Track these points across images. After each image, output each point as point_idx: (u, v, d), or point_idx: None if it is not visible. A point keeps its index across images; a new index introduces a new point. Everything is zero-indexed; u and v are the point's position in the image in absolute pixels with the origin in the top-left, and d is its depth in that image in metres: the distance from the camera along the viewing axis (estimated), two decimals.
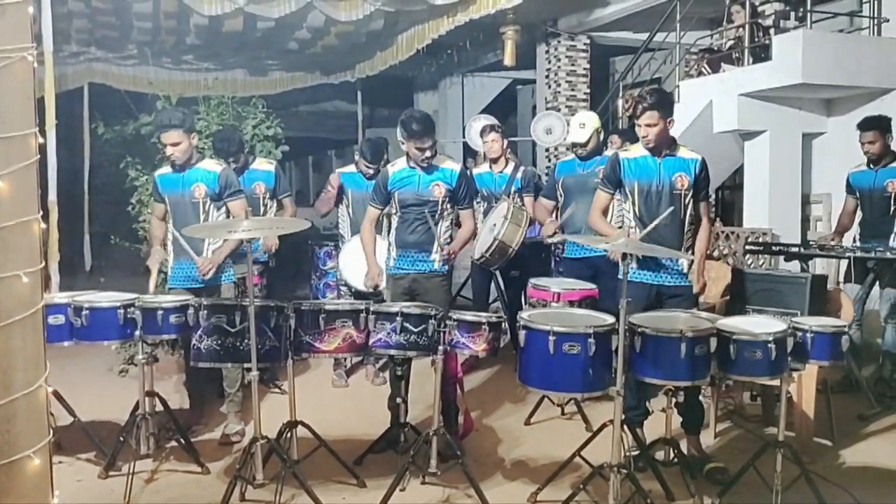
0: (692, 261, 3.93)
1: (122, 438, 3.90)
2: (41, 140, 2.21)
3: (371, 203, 4.41)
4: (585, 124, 5.05)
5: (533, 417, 4.79)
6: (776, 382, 3.44)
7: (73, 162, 8.46)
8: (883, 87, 6.75)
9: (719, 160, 7.17)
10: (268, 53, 8.98)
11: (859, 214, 5.43)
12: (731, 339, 3.18)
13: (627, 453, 3.58)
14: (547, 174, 10.19)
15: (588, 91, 10.38)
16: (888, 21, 6.89)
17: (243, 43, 8.18)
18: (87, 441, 4.16)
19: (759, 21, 7.38)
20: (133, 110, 7.19)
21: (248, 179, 5.42)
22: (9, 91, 2.12)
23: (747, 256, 6.64)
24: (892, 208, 5.16)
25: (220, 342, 3.57)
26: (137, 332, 3.88)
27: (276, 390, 5.39)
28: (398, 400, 4.21)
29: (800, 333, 3.30)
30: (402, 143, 4.26)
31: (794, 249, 5.42)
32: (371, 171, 5.35)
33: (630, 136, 5.59)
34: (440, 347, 3.60)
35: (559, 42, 10.22)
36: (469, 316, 3.64)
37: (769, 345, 3.16)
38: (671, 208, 3.80)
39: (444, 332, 3.59)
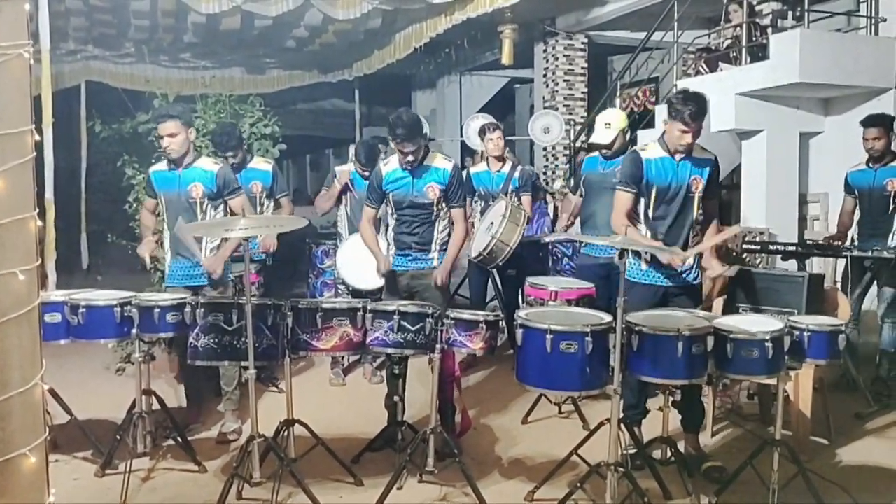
0: (697, 258, 3.93)
1: (118, 437, 3.90)
2: (37, 138, 2.21)
3: (367, 203, 4.37)
4: (611, 124, 4.92)
5: (530, 416, 4.79)
6: (773, 381, 3.44)
7: (70, 160, 8.45)
8: (880, 86, 6.76)
9: None
10: (265, 51, 8.97)
11: (857, 213, 5.44)
12: (729, 338, 3.19)
13: (625, 452, 3.59)
14: (545, 173, 10.23)
15: (586, 90, 10.38)
16: (885, 21, 6.90)
17: (241, 41, 8.17)
18: (84, 439, 4.15)
19: (757, 20, 7.39)
20: (130, 108, 7.18)
21: (246, 178, 5.42)
22: (5, 88, 2.12)
23: (745, 255, 6.64)
24: (892, 207, 5.17)
25: (217, 340, 3.57)
26: (134, 331, 3.87)
27: (274, 389, 5.39)
28: (395, 398, 4.21)
29: (797, 332, 3.30)
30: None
31: (792, 249, 5.42)
32: (366, 174, 5.35)
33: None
34: (437, 346, 3.60)
35: (557, 41, 10.22)
36: (466, 315, 3.63)
37: (766, 344, 3.16)
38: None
39: (442, 331, 3.59)
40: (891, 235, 5.13)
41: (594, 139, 5.04)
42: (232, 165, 5.38)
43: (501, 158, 5.90)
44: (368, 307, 3.67)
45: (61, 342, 3.89)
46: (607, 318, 3.28)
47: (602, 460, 3.28)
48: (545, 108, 10.25)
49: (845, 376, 5.16)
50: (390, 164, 4.25)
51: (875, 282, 5.12)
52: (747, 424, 4.65)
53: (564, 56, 10.26)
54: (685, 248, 3.88)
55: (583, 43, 10.27)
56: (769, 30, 7.21)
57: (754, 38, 7.26)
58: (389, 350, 3.70)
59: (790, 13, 7.32)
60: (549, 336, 3.12)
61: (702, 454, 4.03)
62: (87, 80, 8.97)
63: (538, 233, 6.31)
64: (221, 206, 4.41)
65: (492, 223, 5.28)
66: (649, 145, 4.02)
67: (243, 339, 3.48)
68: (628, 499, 3.29)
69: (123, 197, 6.19)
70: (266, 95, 7.66)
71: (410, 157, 4.09)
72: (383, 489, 3.52)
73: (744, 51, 7.26)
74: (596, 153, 5.16)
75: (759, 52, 7.15)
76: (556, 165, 10.29)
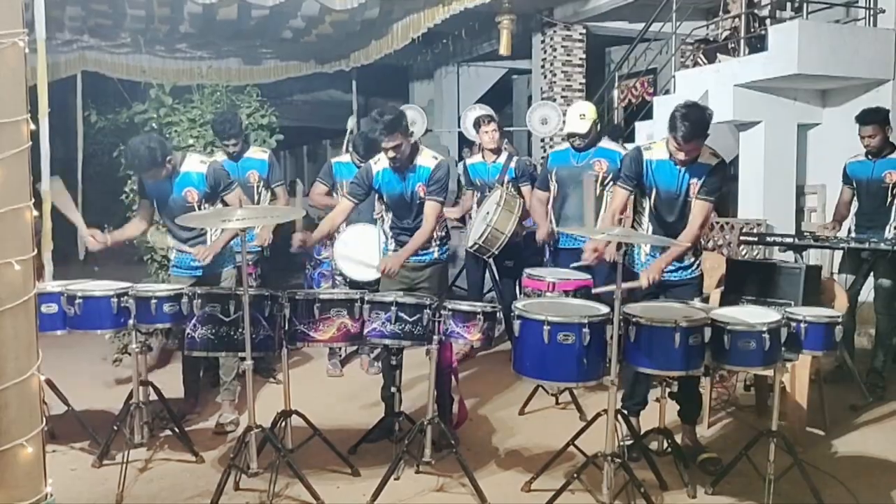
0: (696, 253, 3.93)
1: (115, 427, 3.90)
2: (33, 127, 2.20)
3: (348, 195, 4.26)
4: (585, 115, 4.96)
5: (527, 407, 4.80)
6: (770, 372, 3.45)
7: (66, 150, 8.40)
8: (878, 77, 6.75)
9: None
10: (262, 42, 8.92)
11: (855, 204, 5.44)
12: (726, 330, 3.19)
13: (621, 443, 3.60)
14: (543, 164, 10.21)
15: (584, 81, 10.35)
16: (884, 12, 6.88)
17: (237, 31, 8.12)
18: (81, 430, 4.16)
19: (755, 11, 7.37)
20: (126, 99, 7.15)
21: (243, 168, 5.42)
22: (0, 78, 2.11)
23: (742, 247, 6.65)
24: (889, 199, 5.17)
25: (214, 331, 3.56)
26: (131, 321, 3.87)
27: (271, 380, 5.39)
28: (392, 389, 4.21)
29: (794, 324, 3.31)
30: None
31: (789, 240, 5.42)
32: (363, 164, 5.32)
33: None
34: (435, 337, 3.60)
35: (555, 32, 10.19)
36: (464, 306, 3.64)
37: (763, 335, 3.16)
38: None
39: (439, 322, 3.59)
40: (888, 227, 5.13)
41: (570, 129, 5.01)
42: (232, 155, 5.38)
43: (497, 150, 5.88)
44: (366, 298, 3.67)
45: (58, 333, 3.88)
46: (605, 309, 3.28)
47: (599, 451, 3.29)
48: (543, 99, 10.23)
49: (841, 368, 5.18)
50: (381, 163, 4.18)
51: (872, 273, 5.13)
52: (743, 415, 4.67)
53: (562, 47, 10.23)
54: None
55: (581, 34, 10.23)
56: (767, 21, 7.19)
57: (752, 30, 7.24)
58: (387, 341, 3.70)
59: (788, 4, 7.31)
60: (546, 327, 3.13)
61: (698, 445, 4.04)
62: (83, 71, 8.91)
63: (535, 224, 6.30)
64: (219, 204, 4.39)
65: (487, 212, 5.28)
66: (655, 145, 3.97)
67: (240, 330, 3.47)
68: (624, 489, 3.31)
69: (120, 187, 6.17)
70: (263, 86, 7.64)
71: (392, 153, 4.01)
72: (380, 480, 3.53)
73: (742, 42, 7.24)
74: (566, 146, 5.17)
75: (757, 44, 7.13)
76: None
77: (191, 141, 6.06)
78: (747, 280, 4.38)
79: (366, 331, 3.67)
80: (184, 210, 4.26)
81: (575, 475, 3.40)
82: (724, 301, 4.34)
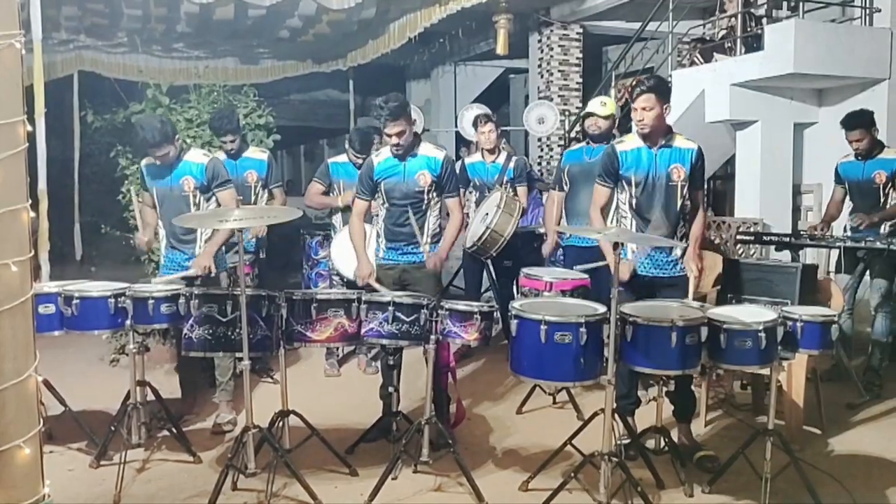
0: (685, 249, 3.94)
1: (113, 428, 3.90)
2: (29, 128, 2.20)
3: (358, 195, 4.31)
4: (606, 104, 5.12)
5: (524, 406, 4.80)
6: (766, 371, 3.46)
7: (63, 151, 8.40)
8: (874, 77, 6.77)
9: (711, 150, 7.10)
10: (259, 42, 8.92)
11: (849, 204, 5.45)
12: (722, 329, 3.19)
13: (618, 442, 3.60)
14: (540, 164, 10.22)
15: (581, 80, 10.37)
16: (880, 11, 6.90)
17: (234, 31, 8.12)
18: (79, 430, 4.15)
19: (752, 11, 7.39)
20: (123, 98, 7.14)
21: (241, 167, 5.42)
22: None
23: (738, 246, 6.67)
24: (882, 199, 5.18)
25: (211, 331, 3.56)
26: (128, 322, 3.87)
27: (268, 380, 5.39)
28: (390, 389, 4.21)
29: (790, 322, 3.31)
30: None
31: (785, 239, 5.44)
32: (360, 161, 5.32)
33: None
34: (432, 337, 3.60)
35: (552, 31, 10.19)
36: (461, 305, 3.63)
37: (759, 334, 3.17)
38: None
39: (436, 322, 3.59)
40: (881, 227, 5.14)
41: (591, 109, 5.14)
42: (229, 153, 5.38)
43: (495, 150, 5.89)
44: (363, 298, 3.67)
45: (55, 333, 3.87)
46: (601, 308, 3.29)
47: (596, 450, 3.29)
48: (540, 98, 10.24)
49: (838, 366, 5.19)
50: (382, 155, 4.24)
51: (868, 272, 5.14)
52: (740, 414, 4.67)
53: (559, 46, 10.24)
54: (674, 238, 3.89)
55: (578, 33, 10.24)
56: (764, 20, 7.21)
57: (749, 29, 7.26)
58: (384, 341, 3.70)
59: (785, 3, 7.32)
60: (543, 327, 3.12)
61: (695, 444, 4.05)
62: (79, 71, 8.91)
63: (533, 223, 6.32)
64: (214, 199, 4.40)
65: (486, 214, 5.28)
66: (627, 137, 4.06)
67: (238, 331, 3.47)
68: (621, 488, 3.31)
69: (117, 187, 6.16)
70: (260, 86, 7.64)
71: (396, 139, 4.07)
72: (378, 479, 3.52)
73: (738, 41, 7.26)
74: (580, 145, 5.22)
75: (753, 43, 7.15)
76: (551, 156, 10.28)
77: (188, 141, 6.05)
78: (744, 279, 4.39)
79: (363, 331, 3.67)
80: (180, 200, 4.30)
81: (572, 474, 3.40)
82: (721, 300, 4.35)
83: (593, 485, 3.42)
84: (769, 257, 6.04)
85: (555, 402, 4.89)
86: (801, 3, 6.92)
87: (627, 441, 3.82)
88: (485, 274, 6.12)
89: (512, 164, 5.83)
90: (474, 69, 12.68)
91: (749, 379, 4.84)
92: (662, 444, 3.80)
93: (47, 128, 4.84)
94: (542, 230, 6.08)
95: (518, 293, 4.78)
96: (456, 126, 10.48)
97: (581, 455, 3.50)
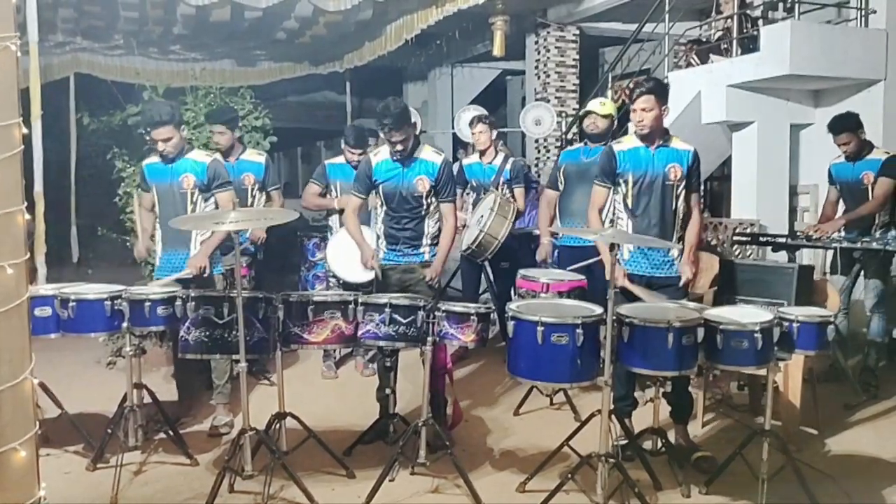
0: (681, 251, 3.94)
1: (109, 430, 3.89)
2: (25, 131, 2.19)
3: (353, 192, 4.32)
4: (605, 103, 5.18)
5: (522, 408, 4.80)
6: (763, 372, 3.46)
7: (59, 153, 8.39)
8: (870, 78, 6.78)
9: (707, 151, 7.18)
10: (256, 44, 8.92)
11: (842, 205, 5.47)
12: (719, 329, 3.20)
13: (615, 443, 3.60)
14: (537, 165, 10.22)
15: (577, 82, 10.38)
16: (875, 12, 6.91)
17: (231, 33, 8.12)
18: (75, 433, 4.14)
19: (748, 12, 7.40)
20: (120, 101, 7.15)
21: (238, 170, 5.42)
22: None
23: (735, 247, 6.67)
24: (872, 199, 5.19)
25: (208, 334, 3.56)
26: (125, 324, 3.86)
27: (265, 382, 5.39)
28: (387, 391, 4.21)
29: (786, 323, 3.32)
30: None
31: (782, 240, 5.44)
32: (356, 157, 5.30)
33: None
34: (429, 338, 3.60)
35: (548, 33, 10.20)
36: (458, 307, 3.64)
37: (756, 335, 3.18)
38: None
39: (433, 324, 3.59)
40: (873, 228, 5.15)
41: (590, 108, 5.19)
42: (220, 150, 5.37)
43: (487, 151, 5.88)
44: (360, 300, 3.67)
45: (51, 336, 3.87)
46: (598, 310, 3.29)
47: (593, 451, 3.29)
48: (537, 99, 10.24)
49: (834, 367, 5.19)
50: (380, 155, 4.23)
51: (863, 273, 5.15)
52: (737, 415, 4.68)
53: (556, 48, 10.25)
54: (671, 239, 3.90)
55: (574, 34, 10.25)
56: (760, 21, 7.22)
57: (745, 30, 7.27)
58: (381, 343, 3.71)
59: (780, 5, 7.33)
60: (540, 328, 3.13)
61: (692, 445, 4.05)
62: (75, 73, 8.90)
63: (530, 225, 6.32)
64: (212, 199, 4.40)
65: (481, 216, 5.29)
66: (625, 138, 4.09)
67: (234, 333, 3.47)
68: (619, 489, 3.31)
69: (113, 190, 6.17)
70: (257, 88, 7.65)
71: (399, 147, 4.08)
72: (375, 481, 3.52)
73: (734, 42, 7.27)
74: (578, 146, 5.23)
75: (749, 44, 7.16)
76: (548, 157, 10.29)
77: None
78: (740, 280, 4.39)
79: (360, 332, 3.67)
80: (179, 197, 4.30)
81: (569, 475, 3.40)
82: (718, 301, 4.36)
83: (590, 486, 3.42)
84: (766, 258, 6.06)
85: (552, 404, 4.89)
86: (796, 5, 6.93)
87: (624, 442, 3.82)
88: (482, 275, 6.13)
89: (509, 166, 5.82)
90: (471, 71, 12.69)
91: (746, 380, 4.84)
92: (659, 444, 3.80)
93: (44, 130, 4.84)
94: (538, 232, 6.09)
95: (515, 294, 4.79)
96: (453, 128, 10.48)
97: (578, 456, 3.51)
